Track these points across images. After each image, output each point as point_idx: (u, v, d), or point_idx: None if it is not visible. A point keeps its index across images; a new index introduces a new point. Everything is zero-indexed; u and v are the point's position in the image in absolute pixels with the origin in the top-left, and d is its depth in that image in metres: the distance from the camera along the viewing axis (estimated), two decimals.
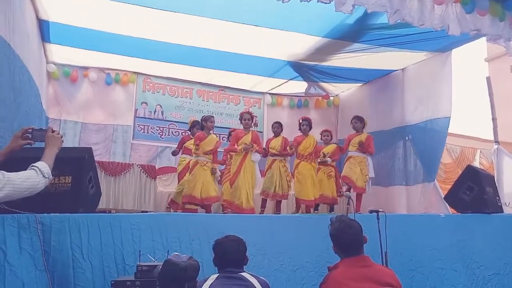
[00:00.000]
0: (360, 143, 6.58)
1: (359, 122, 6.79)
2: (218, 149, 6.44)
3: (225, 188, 6.54)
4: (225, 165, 6.99)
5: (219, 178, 6.77)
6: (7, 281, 2.86)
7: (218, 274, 2.55)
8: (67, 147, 4.51)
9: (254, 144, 6.10)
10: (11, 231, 3.00)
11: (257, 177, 6.24)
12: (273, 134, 6.85)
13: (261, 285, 2.51)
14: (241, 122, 6.41)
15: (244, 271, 2.60)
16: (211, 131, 6.36)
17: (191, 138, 6.78)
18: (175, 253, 2.36)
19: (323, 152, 6.86)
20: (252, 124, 9.41)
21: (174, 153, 7.41)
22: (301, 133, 6.82)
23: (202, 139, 6.10)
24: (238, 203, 5.80)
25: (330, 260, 2.64)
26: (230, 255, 2.60)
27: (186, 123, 8.48)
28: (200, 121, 6.65)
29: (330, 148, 7.06)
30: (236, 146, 6.15)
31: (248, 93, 9.67)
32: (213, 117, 6.47)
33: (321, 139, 7.25)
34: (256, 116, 6.97)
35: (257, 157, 6.18)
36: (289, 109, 9.82)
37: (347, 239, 2.52)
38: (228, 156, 6.82)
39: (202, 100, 9.30)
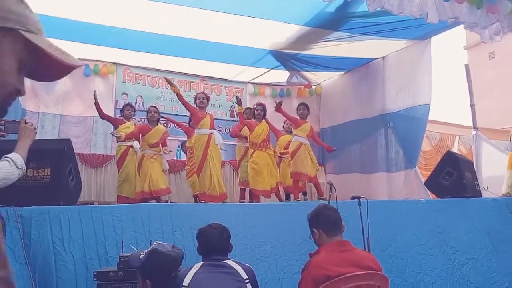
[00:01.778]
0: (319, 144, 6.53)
1: (306, 109, 6.47)
2: (166, 139, 6.40)
3: (193, 180, 6.29)
4: (187, 158, 6.81)
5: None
6: None
7: (202, 262, 2.56)
8: (45, 139, 4.44)
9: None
10: None
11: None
12: (255, 119, 6.39)
13: (245, 271, 2.52)
14: (196, 104, 5.96)
15: (229, 259, 2.61)
16: (160, 122, 6.28)
17: (124, 122, 6.56)
18: (157, 241, 2.35)
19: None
20: (235, 114, 9.45)
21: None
22: (254, 119, 6.40)
23: (146, 131, 6.05)
24: (210, 191, 5.58)
25: (311, 249, 2.67)
26: (214, 243, 2.60)
27: (168, 113, 8.40)
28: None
29: (286, 138, 6.90)
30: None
31: (230, 83, 9.63)
32: (153, 107, 6.36)
33: (283, 127, 7.24)
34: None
35: (220, 140, 5.97)
36: (272, 99, 9.77)
37: (326, 214, 2.61)
38: (188, 151, 6.64)
39: (184, 91, 9.18)
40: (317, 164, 6.33)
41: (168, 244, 2.32)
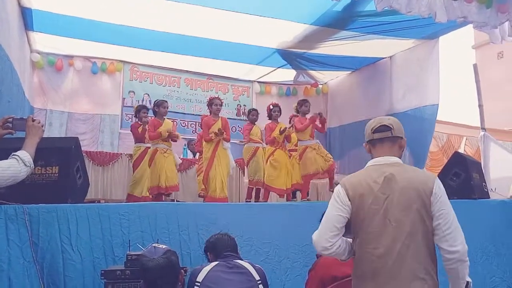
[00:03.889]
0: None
1: (309, 105, 6.45)
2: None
3: (200, 179, 6.28)
4: (199, 155, 6.84)
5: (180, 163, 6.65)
6: None
7: (218, 262, 2.60)
8: (53, 137, 4.45)
9: (224, 132, 5.82)
10: None
11: (232, 164, 6.12)
12: (249, 121, 6.61)
13: (257, 272, 2.57)
14: (210, 108, 6.00)
15: (241, 259, 2.68)
16: (165, 117, 6.18)
17: (140, 125, 6.43)
18: (153, 244, 2.33)
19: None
20: (241, 113, 9.47)
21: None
22: (271, 121, 6.48)
23: (157, 126, 5.96)
24: (211, 193, 5.68)
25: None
26: (225, 242, 2.73)
27: (175, 112, 8.42)
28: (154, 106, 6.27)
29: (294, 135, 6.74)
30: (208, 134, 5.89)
31: (237, 82, 9.63)
32: (166, 101, 6.26)
33: (289, 122, 7.23)
34: (245, 105, 6.79)
35: (227, 143, 6.00)
36: (278, 98, 9.76)
37: None
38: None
39: (190, 89, 9.24)
40: (328, 155, 6.20)
41: (164, 248, 2.26)
